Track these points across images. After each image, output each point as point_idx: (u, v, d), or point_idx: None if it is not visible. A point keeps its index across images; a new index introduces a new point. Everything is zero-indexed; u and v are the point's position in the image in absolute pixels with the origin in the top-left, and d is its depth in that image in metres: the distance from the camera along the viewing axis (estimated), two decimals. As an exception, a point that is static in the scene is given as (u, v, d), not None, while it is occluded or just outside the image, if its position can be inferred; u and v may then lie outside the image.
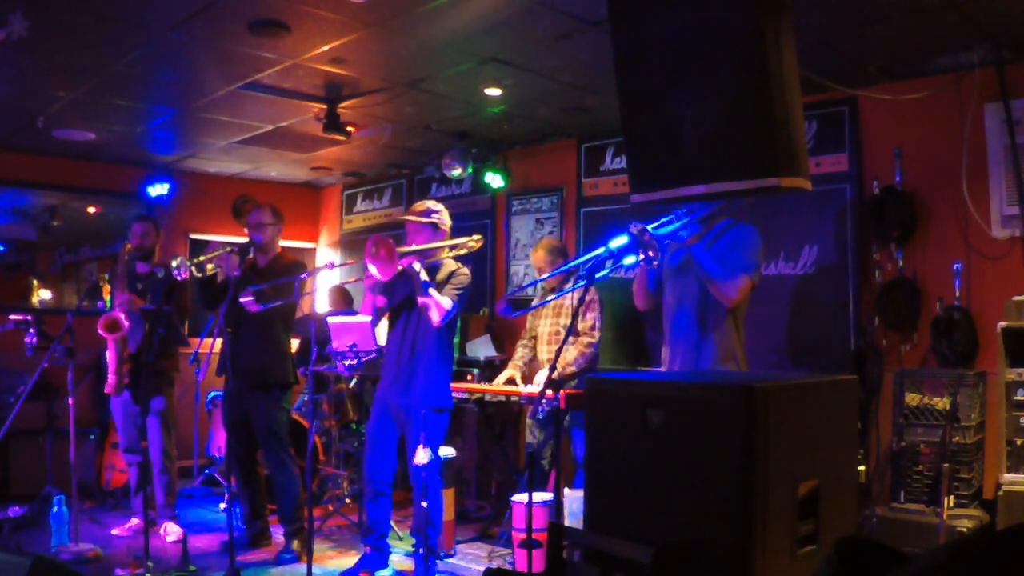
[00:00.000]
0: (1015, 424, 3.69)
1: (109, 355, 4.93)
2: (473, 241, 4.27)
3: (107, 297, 5.76)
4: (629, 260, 3.49)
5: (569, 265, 4.55)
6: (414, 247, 4.22)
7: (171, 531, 4.98)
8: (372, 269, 4.02)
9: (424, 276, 4.08)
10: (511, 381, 5.01)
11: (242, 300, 4.38)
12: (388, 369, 4.35)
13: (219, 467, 6.29)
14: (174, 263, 4.48)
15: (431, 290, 4.09)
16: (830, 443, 2.73)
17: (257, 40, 4.14)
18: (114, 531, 5.13)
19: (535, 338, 5.25)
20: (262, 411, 4.71)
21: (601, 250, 3.60)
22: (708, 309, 3.67)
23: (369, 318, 4.26)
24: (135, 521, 5.12)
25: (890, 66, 4.44)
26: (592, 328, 4.96)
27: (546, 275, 4.92)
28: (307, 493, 4.06)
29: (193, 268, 4.53)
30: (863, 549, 1.70)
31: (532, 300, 5.46)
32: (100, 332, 4.84)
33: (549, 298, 5.01)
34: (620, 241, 3.51)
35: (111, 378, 4.93)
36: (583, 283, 3.42)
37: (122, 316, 4.85)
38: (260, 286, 4.42)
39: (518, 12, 3.80)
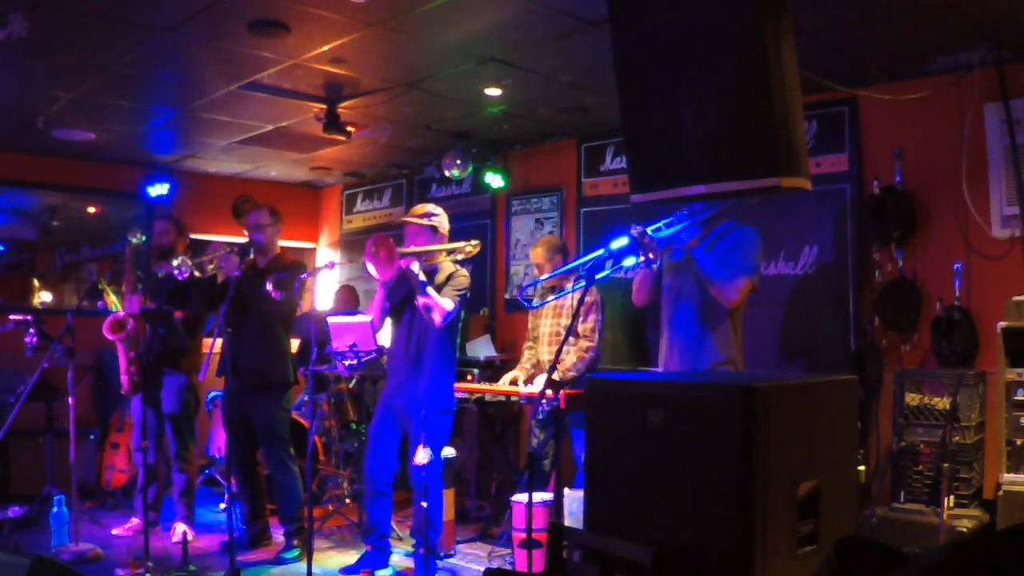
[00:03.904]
0: (1015, 424, 3.69)
1: (120, 356, 4.97)
2: (471, 246, 4.28)
3: (108, 298, 5.74)
4: (629, 262, 3.49)
5: (569, 267, 4.54)
6: (413, 248, 4.22)
7: (180, 531, 4.94)
8: (371, 268, 4.03)
9: (422, 277, 4.09)
10: (514, 382, 4.99)
11: (267, 288, 4.39)
12: (393, 371, 4.36)
13: (219, 467, 6.29)
14: (174, 263, 4.48)
15: (430, 290, 4.09)
16: (830, 443, 2.73)
17: (257, 40, 4.14)
18: (114, 531, 5.13)
19: (537, 339, 5.24)
20: (263, 411, 4.71)
21: (601, 251, 3.60)
22: (709, 308, 3.67)
23: (370, 318, 4.26)
24: (135, 521, 5.12)
25: (890, 66, 4.44)
26: (592, 330, 4.93)
27: (546, 275, 4.91)
28: (307, 493, 4.06)
29: (194, 268, 4.52)
30: (863, 549, 1.70)
31: (532, 300, 5.44)
32: (106, 334, 4.84)
33: (549, 298, 5.00)
34: (620, 242, 3.52)
35: (123, 379, 4.98)
36: (583, 284, 3.43)
37: (127, 316, 4.86)
38: (281, 275, 4.43)
39: (518, 12, 3.80)
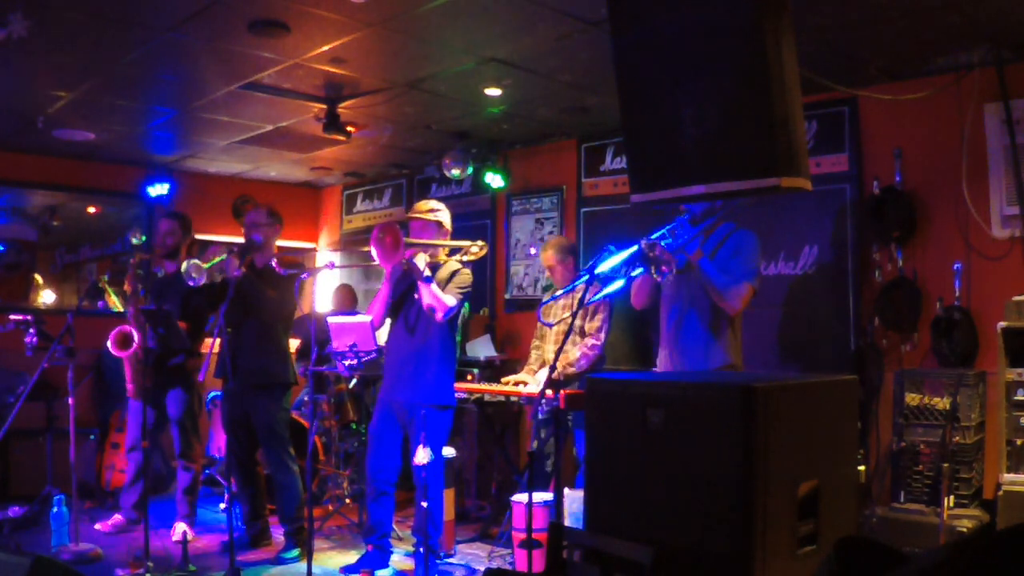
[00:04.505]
0: (1015, 424, 3.69)
1: (125, 366, 5.01)
2: (477, 247, 4.27)
3: (109, 298, 5.72)
4: (637, 272, 3.52)
5: (581, 280, 4.46)
6: (419, 240, 4.23)
7: (180, 531, 4.92)
8: (374, 253, 4.02)
9: (427, 272, 4.08)
10: (519, 385, 4.94)
11: (272, 264, 4.66)
12: (390, 368, 4.36)
13: (219, 467, 6.29)
14: (183, 267, 4.45)
15: (433, 285, 4.09)
16: (830, 443, 2.74)
17: (257, 40, 4.14)
18: (96, 526, 5.09)
19: (544, 336, 5.21)
20: (262, 411, 4.72)
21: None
22: (714, 315, 3.69)
23: (369, 318, 4.26)
24: (118, 517, 5.11)
25: (890, 66, 4.44)
26: (598, 330, 4.90)
27: (560, 289, 4.78)
28: (307, 493, 4.06)
29: (205, 275, 4.50)
30: (863, 549, 1.70)
31: (542, 301, 5.37)
32: (113, 350, 4.84)
33: (553, 321, 4.94)
34: (629, 252, 3.50)
35: (129, 386, 5.01)
36: (586, 282, 3.42)
37: (133, 330, 4.84)
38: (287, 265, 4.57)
39: (518, 12, 3.80)
